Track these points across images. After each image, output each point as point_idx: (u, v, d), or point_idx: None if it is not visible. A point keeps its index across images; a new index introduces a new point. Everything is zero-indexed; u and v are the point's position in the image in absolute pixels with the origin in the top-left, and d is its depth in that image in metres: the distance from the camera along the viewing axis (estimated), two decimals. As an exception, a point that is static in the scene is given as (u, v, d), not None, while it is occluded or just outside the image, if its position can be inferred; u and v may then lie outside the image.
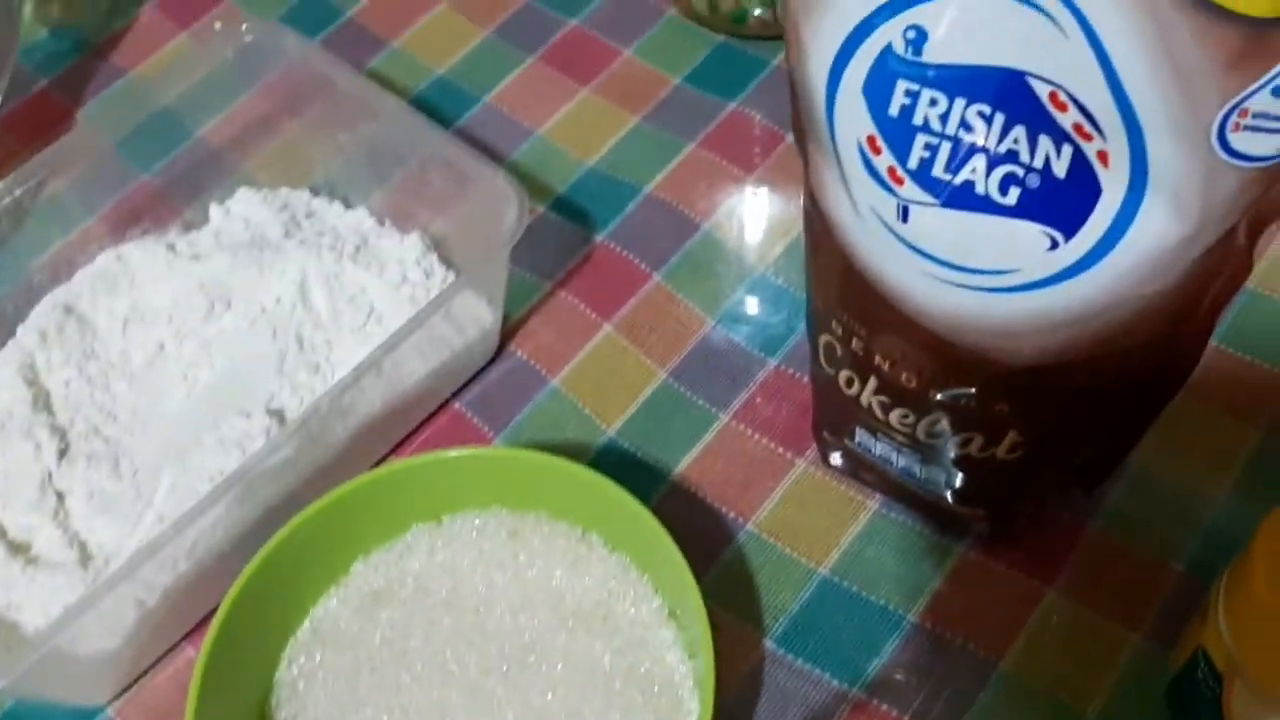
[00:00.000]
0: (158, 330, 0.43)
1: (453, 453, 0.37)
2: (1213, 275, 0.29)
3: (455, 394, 0.43)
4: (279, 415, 0.41)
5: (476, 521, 0.38)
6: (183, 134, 0.48)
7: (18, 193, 0.44)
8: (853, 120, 0.30)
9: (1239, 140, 0.25)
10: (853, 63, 0.29)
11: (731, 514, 0.40)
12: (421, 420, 0.43)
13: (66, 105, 0.54)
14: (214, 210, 0.47)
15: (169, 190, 0.48)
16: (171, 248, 0.45)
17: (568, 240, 0.47)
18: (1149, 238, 0.27)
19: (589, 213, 0.48)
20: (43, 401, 0.41)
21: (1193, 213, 0.27)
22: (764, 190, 0.48)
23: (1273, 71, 0.24)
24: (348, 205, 0.48)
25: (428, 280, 0.44)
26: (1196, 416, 0.39)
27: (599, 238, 0.47)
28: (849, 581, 0.38)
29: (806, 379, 0.42)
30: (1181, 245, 0.27)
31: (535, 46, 0.53)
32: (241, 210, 0.46)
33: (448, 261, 0.45)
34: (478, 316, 0.42)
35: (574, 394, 0.43)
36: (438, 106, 0.51)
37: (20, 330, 0.43)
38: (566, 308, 0.45)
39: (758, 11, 0.50)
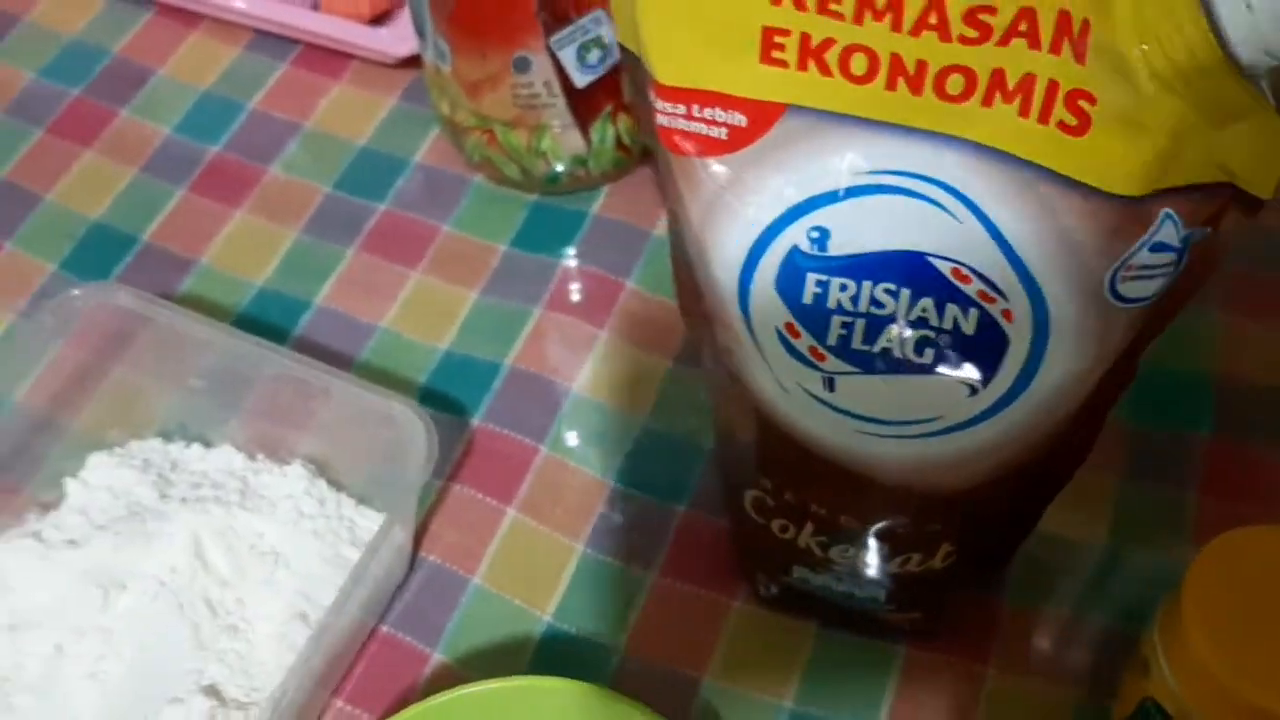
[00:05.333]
0: (49, 632, 0.40)
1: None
2: (1107, 389, 0.33)
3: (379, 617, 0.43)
4: (214, 692, 0.39)
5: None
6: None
7: None
8: (769, 312, 0.32)
9: (1126, 288, 0.29)
10: (762, 263, 0.32)
11: (687, 671, 0.41)
12: (355, 655, 0.42)
13: None
14: (70, 485, 0.44)
15: (3, 472, 0.44)
16: (38, 537, 0.42)
17: (444, 431, 0.47)
18: (1055, 375, 0.31)
19: (457, 398, 0.48)
20: (-57, 747, 0.38)
21: (1090, 349, 0.31)
22: (620, 341, 0.49)
23: (1149, 233, 0.28)
24: (207, 445, 0.46)
25: (323, 508, 0.43)
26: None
27: (475, 422, 0.47)
28: (815, 708, 0.40)
29: (718, 520, 0.44)
30: (1083, 376, 0.31)
31: (351, 238, 0.53)
32: (101, 479, 0.44)
33: (336, 484, 0.44)
34: (393, 540, 0.41)
35: (499, 588, 0.43)
36: (268, 320, 0.50)
37: (-109, 673, 0.39)
38: (464, 501, 0.45)
39: (561, 167, 0.52)
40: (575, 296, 0.51)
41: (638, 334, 0.50)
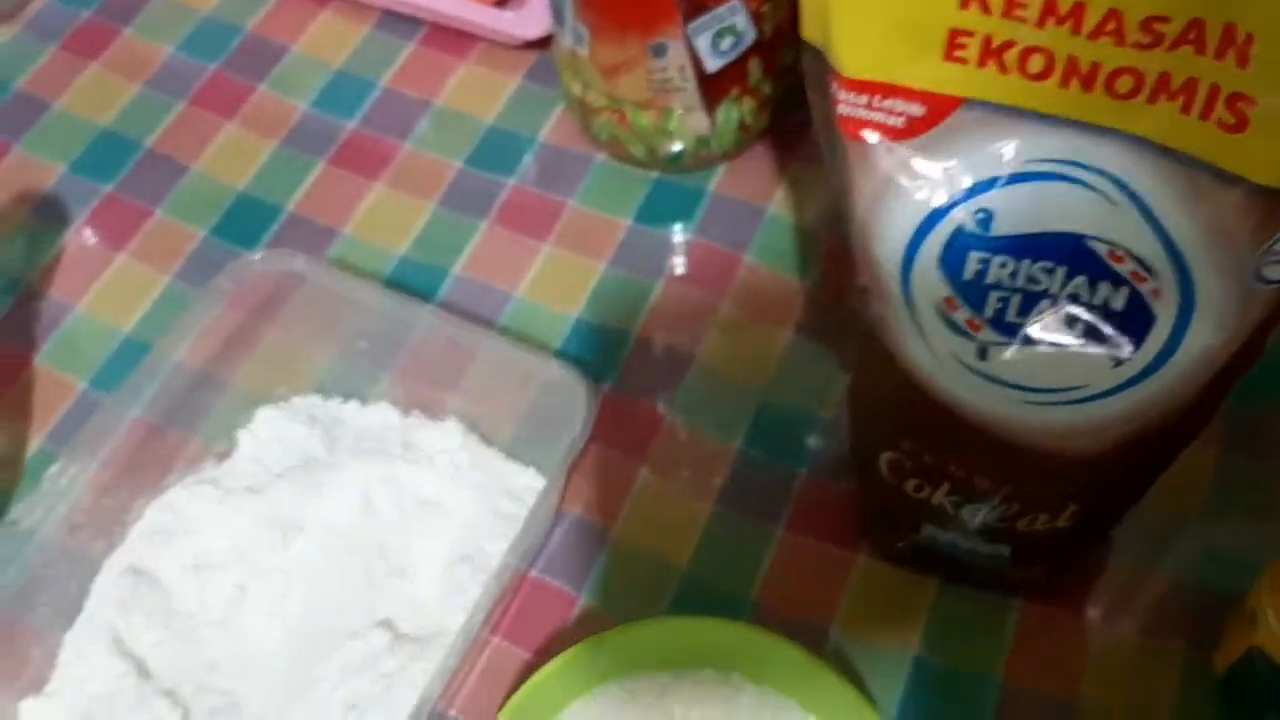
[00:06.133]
0: (232, 571, 0.44)
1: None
2: (1237, 362, 0.36)
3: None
4: (389, 626, 0.42)
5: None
6: (157, 361, 0.48)
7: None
8: (929, 287, 0.35)
9: (1269, 270, 0.32)
10: (927, 241, 0.35)
11: (815, 620, 0.45)
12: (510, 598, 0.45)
13: (21, 352, 0.52)
14: (242, 436, 0.47)
15: (171, 423, 0.47)
16: (216, 484, 0.45)
17: (580, 393, 0.50)
18: (1196, 349, 0.34)
19: (591, 363, 0.51)
20: (143, 670, 0.41)
21: (1229, 325, 0.33)
22: (740, 315, 0.52)
23: (1295, 220, 0.31)
24: (363, 402, 0.49)
25: (477, 462, 0.46)
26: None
27: (607, 385, 0.50)
28: (938, 657, 0.44)
29: (838, 483, 0.47)
30: (1220, 349, 0.34)
31: (484, 211, 0.56)
32: (271, 432, 0.47)
33: (485, 439, 0.48)
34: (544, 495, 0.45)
35: (637, 540, 0.47)
36: (410, 288, 0.53)
37: (89, 605, 0.43)
38: (600, 459, 0.49)
39: (684, 147, 0.55)
40: (696, 269, 0.54)
41: (755, 306, 0.53)
